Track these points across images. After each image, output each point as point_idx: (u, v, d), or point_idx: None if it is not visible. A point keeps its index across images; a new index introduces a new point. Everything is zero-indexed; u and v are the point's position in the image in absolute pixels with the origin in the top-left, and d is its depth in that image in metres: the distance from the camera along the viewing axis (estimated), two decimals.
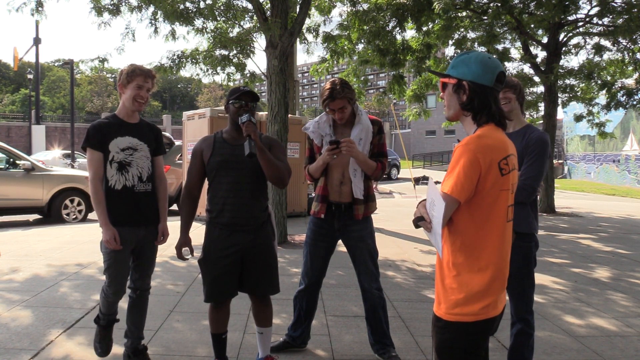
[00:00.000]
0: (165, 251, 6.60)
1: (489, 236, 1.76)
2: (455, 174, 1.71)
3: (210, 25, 8.14)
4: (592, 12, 11.74)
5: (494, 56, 2.46)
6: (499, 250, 1.78)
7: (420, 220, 1.79)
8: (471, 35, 12.13)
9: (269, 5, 7.62)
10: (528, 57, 12.08)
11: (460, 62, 1.85)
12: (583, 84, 12.67)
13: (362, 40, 11.00)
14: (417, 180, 11.01)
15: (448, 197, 1.70)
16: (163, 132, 13.60)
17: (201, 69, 8.56)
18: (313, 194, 3.37)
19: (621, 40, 11.42)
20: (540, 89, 13.14)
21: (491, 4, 10.81)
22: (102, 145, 2.93)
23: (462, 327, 1.77)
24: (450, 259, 1.79)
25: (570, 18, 11.59)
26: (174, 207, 11.62)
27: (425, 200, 1.84)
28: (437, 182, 1.88)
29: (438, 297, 1.85)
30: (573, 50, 12.64)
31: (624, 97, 12.30)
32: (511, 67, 13.30)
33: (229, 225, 2.83)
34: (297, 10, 7.70)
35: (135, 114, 3.06)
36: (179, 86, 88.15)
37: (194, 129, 9.72)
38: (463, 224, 1.76)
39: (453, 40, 11.69)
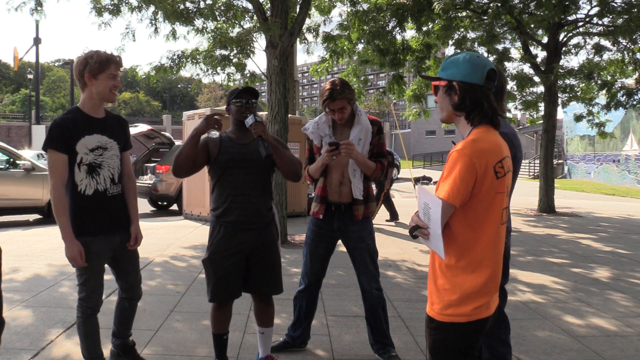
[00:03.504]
0: (166, 251, 6.59)
1: (483, 238, 1.76)
2: (451, 179, 1.71)
3: (211, 25, 8.14)
4: (592, 12, 11.76)
5: (486, 55, 2.45)
6: (493, 252, 1.78)
7: (415, 230, 1.78)
8: (471, 35, 12.13)
9: (269, 5, 7.63)
10: (528, 57, 12.07)
11: (449, 63, 1.85)
12: (583, 84, 12.65)
13: (362, 40, 11.00)
14: (417, 180, 11.03)
15: (444, 203, 1.70)
16: (163, 132, 13.51)
17: (201, 69, 8.58)
18: (313, 194, 3.37)
19: (621, 40, 11.41)
20: (540, 89, 13.13)
21: (491, 4, 10.81)
22: (67, 147, 2.57)
23: (456, 328, 1.77)
24: (444, 260, 1.79)
25: (570, 18, 11.58)
26: (175, 207, 11.62)
27: (417, 212, 1.83)
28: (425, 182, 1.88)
29: (431, 297, 1.85)
30: (573, 50, 12.63)
31: (624, 97, 12.28)
32: (511, 67, 13.30)
33: (235, 223, 2.81)
34: (297, 10, 7.71)
35: (101, 108, 2.73)
36: (179, 86, 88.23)
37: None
38: (458, 227, 1.77)
39: (453, 40, 11.69)
